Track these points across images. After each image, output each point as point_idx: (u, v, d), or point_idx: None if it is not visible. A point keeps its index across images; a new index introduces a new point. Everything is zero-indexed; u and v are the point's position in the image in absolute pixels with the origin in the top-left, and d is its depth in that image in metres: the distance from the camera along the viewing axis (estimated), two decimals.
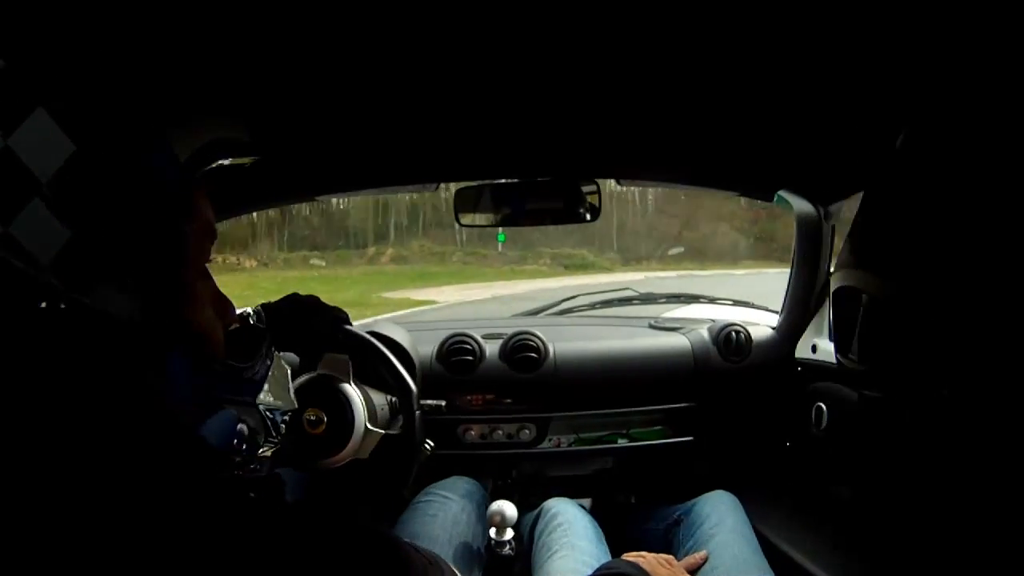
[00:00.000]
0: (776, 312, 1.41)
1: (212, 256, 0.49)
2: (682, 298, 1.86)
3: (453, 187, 1.21)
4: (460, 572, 0.59)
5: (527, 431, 1.27)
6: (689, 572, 0.85)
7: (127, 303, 0.37)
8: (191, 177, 0.47)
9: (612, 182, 1.30)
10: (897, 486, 0.83)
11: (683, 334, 1.39)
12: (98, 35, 0.43)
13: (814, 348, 1.21)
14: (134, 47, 0.54)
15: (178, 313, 0.41)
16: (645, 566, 0.76)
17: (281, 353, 0.76)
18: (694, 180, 1.30)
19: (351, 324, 0.91)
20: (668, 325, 1.49)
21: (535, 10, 0.61)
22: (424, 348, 1.27)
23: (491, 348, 1.30)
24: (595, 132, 1.02)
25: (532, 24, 0.64)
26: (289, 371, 0.63)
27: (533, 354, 1.27)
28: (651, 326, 1.52)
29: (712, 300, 1.75)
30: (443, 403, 0.98)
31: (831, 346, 1.14)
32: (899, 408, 0.77)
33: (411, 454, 0.89)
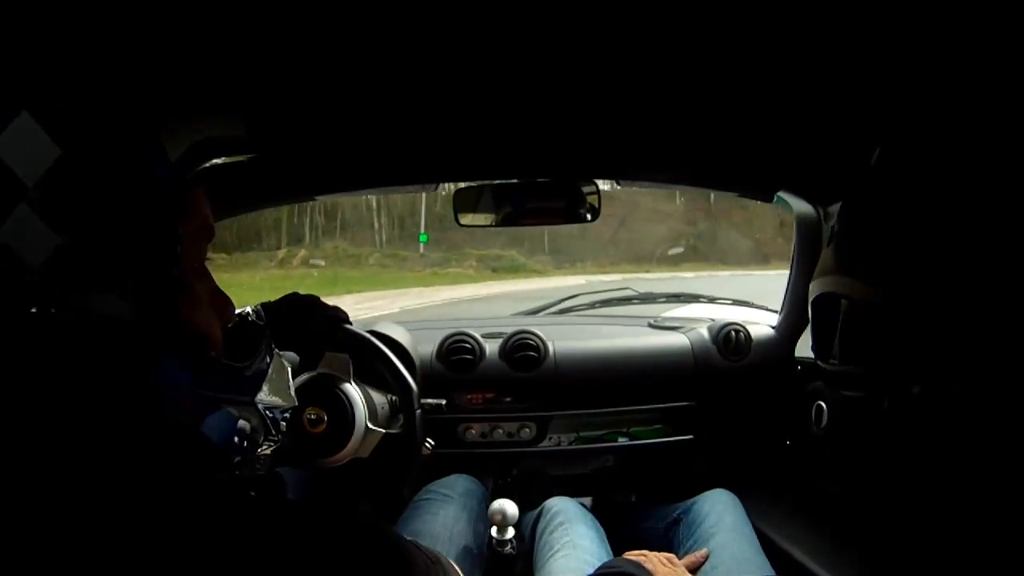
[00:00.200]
0: (776, 311, 1.42)
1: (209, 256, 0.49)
2: (682, 297, 1.87)
3: (452, 187, 1.22)
4: (461, 571, 0.59)
5: (527, 430, 1.27)
6: (690, 571, 0.85)
7: (122, 305, 0.36)
8: (185, 176, 0.47)
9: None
10: (890, 483, 0.84)
11: (683, 333, 1.39)
12: (87, 34, 0.43)
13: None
14: (125, 45, 0.54)
15: (175, 313, 0.41)
16: (647, 565, 0.76)
17: (281, 352, 0.76)
18: (694, 180, 1.30)
19: (351, 323, 0.91)
20: (668, 324, 1.49)
21: (535, 10, 0.61)
22: (424, 347, 1.27)
23: (491, 347, 1.30)
24: (595, 133, 1.02)
25: (532, 24, 0.64)
26: (289, 369, 0.63)
27: (533, 353, 1.28)
28: (651, 325, 1.53)
29: (712, 299, 1.76)
30: (443, 402, 0.98)
31: None
32: (879, 406, 0.78)
33: (411, 453, 0.89)
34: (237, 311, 0.63)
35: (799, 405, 1.20)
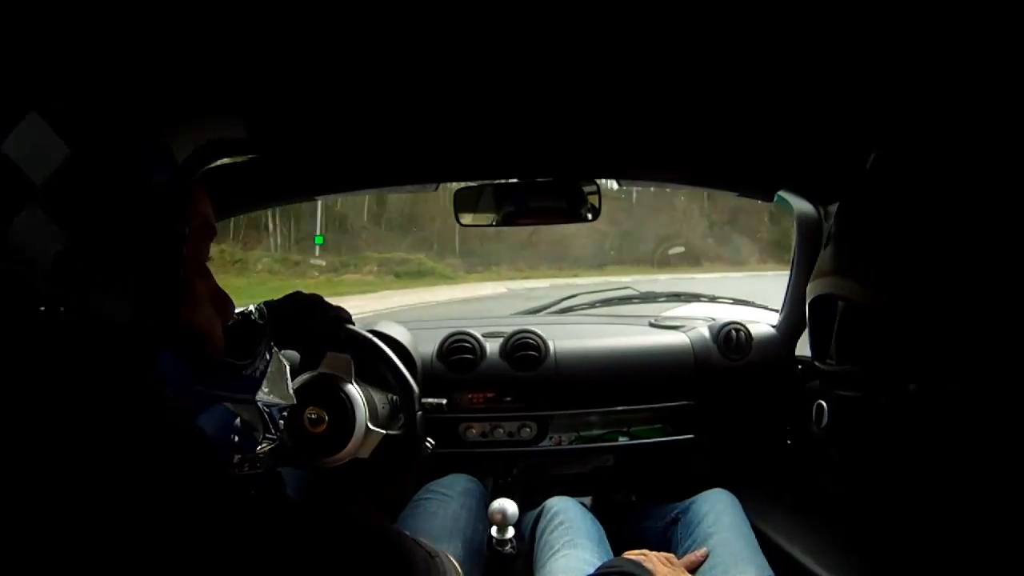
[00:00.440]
0: (776, 311, 1.42)
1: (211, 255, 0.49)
2: (682, 297, 1.87)
3: (453, 187, 1.22)
4: (461, 569, 0.59)
5: (528, 429, 1.28)
6: (689, 570, 0.85)
7: (125, 304, 0.36)
8: (188, 176, 0.47)
9: None
10: (889, 482, 0.84)
11: (683, 332, 1.39)
12: (92, 35, 0.44)
13: None
14: (130, 46, 0.54)
15: (177, 312, 0.41)
16: (647, 564, 0.76)
17: (283, 352, 0.76)
18: (694, 180, 1.30)
19: (353, 323, 0.91)
20: (668, 323, 1.49)
21: (535, 10, 0.61)
22: (425, 347, 1.28)
23: (491, 346, 1.30)
24: (595, 132, 1.02)
25: (532, 24, 0.64)
26: (287, 367, 0.63)
27: (533, 352, 1.28)
28: (651, 324, 1.53)
29: (712, 299, 1.76)
30: (444, 402, 0.99)
31: None
32: (876, 405, 0.78)
33: (412, 453, 0.89)
34: (239, 310, 0.63)
35: (799, 404, 1.20)
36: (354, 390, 0.83)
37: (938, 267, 0.59)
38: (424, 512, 0.99)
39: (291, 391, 0.62)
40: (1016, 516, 0.60)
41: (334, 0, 0.58)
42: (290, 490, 0.80)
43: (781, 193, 1.21)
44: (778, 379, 1.29)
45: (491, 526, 1.02)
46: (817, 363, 0.82)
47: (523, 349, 1.28)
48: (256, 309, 0.71)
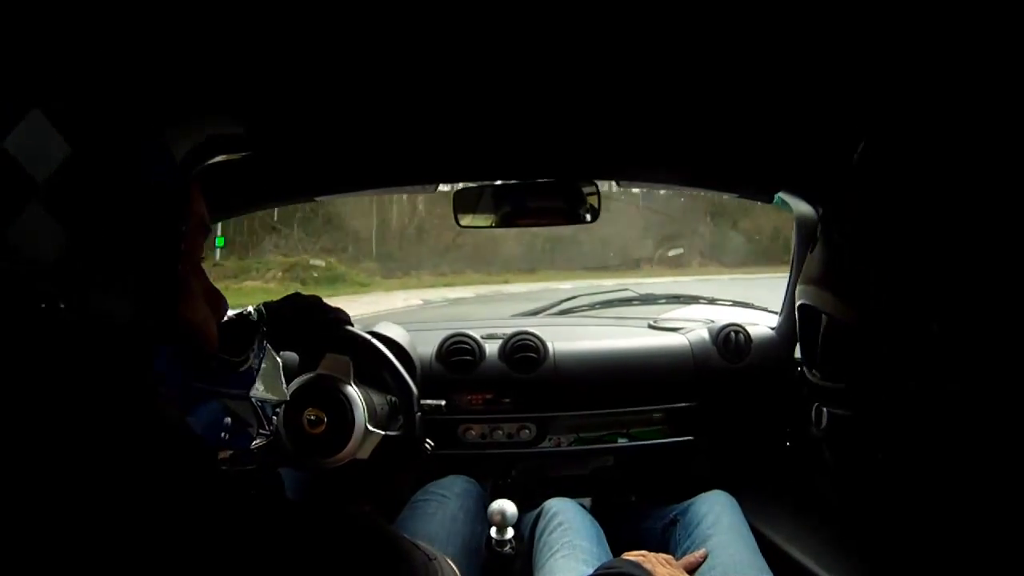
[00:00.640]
0: (776, 313, 1.42)
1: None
2: (681, 299, 1.87)
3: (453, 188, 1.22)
4: (459, 570, 0.59)
5: (527, 431, 1.28)
6: (688, 571, 0.85)
7: (123, 302, 0.37)
8: (188, 175, 0.47)
9: None
10: (887, 486, 0.84)
11: (683, 334, 1.39)
12: (93, 34, 0.44)
13: None
14: (129, 45, 0.54)
15: (173, 310, 0.41)
16: (646, 565, 0.76)
17: (282, 353, 0.76)
18: (694, 181, 1.30)
19: (352, 324, 0.91)
20: (668, 325, 1.49)
21: (535, 11, 0.61)
22: (424, 348, 1.28)
23: (491, 348, 1.30)
24: (595, 133, 1.03)
25: (532, 25, 0.64)
26: (280, 363, 0.63)
27: (532, 354, 1.28)
28: (651, 326, 1.53)
29: (712, 301, 1.76)
30: (443, 403, 0.99)
31: None
32: (866, 425, 0.78)
33: (411, 454, 0.89)
34: (238, 310, 0.63)
35: (799, 406, 1.20)
36: (353, 391, 0.83)
37: (923, 283, 0.59)
38: (423, 513, 0.99)
39: (285, 388, 0.62)
40: (1005, 521, 0.60)
41: (335, 1, 0.58)
42: (289, 491, 0.80)
43: (781, 194, 1.21)
44: (777, 381, 1.29)
45: (490, 527, 1.01)
46: (804, 370, 0.82)
47: (522, 351, 1.28)
48: (255, 310, 0.71)
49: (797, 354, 1.26)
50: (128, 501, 0.34)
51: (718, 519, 0.96)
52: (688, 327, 1.43)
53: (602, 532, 1.01)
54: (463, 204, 1.19)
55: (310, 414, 0.81)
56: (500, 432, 1.27)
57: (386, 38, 0.66)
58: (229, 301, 0.47)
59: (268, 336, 0.65)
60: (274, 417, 0.58)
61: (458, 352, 1.27)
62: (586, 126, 0.99)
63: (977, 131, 0.56)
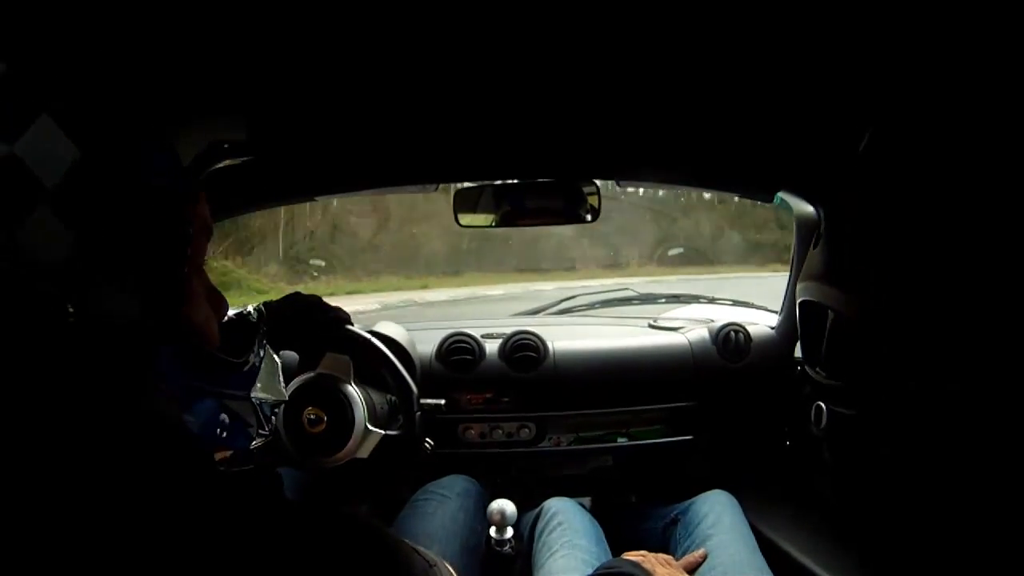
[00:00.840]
0: (775, 312, 1.42)
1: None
2: (681, 298, 1.87)
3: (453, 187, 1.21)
4: (458, 570, 0.59)
5: (527, 430, 1.28)
6: (688, 571, 0.85)
7: (130, 304, 0.37)
8: (194, 179, 0.47)
9: None
10: (887, 485, 0.84)
11: (682, 334, 1.39)
12: (99, 38, 0.44)
13: None
14: (136, 49, 0.54)
15: (177, 311, 0.41)
16: (645, 565, 0.76)
17: (282, 352, 0.76)
18: (694, 181, 1.30)
19: (352, 324, 0.91)
20: (667, 325, 1.49)
21: (535, 11, 0.61)
22: (423, 347, 1.28)
23: (490, 347, 1.30)
24: (595, 133, 1.03)
25: (532, 25, 0.64)
26: (279, 363, 0.63)
27: (532, 353, 1.28)
28: (650, 326, 1.53)
29: (711, 300, 1.76)
30: (442, 402, 0.99)
31: None
32: (871, 424, 0.77)
33: (411, 454, 0.89)
34: (238, 310, 0.63)
35: (798, 406, 1.20)
36: (353, 391, 0.83)
37: (930, 277, 0.58)
38: (422, 513, 0.99)
39: (283, 387, 0.62)
40: (1005, 520, 0.60)
41: (334, 1, 0.58)
42: (289, 490, 0.80)
43: (781, 194, 1.21)
44: (777, 380, 1.29)
45: (490, 526, 1.02)
46: (808, 369, 0.81)
47: (522, 350, 1.28)
48: (255, 309, 0.71)
49: (797, 353, 1.26)
50: (125, 501, 0.34)
51: (718, 519, 0.96)
52: (688, 326, 1.43)
53: (602, 532, 1.01)
54: (463, 203, 1.19)
55: (310, 413, 0.81)
56: (500, 431, 1.27)
57: (386, 38, 0.66)
58: None
59: (268, 336, 0.65)
60: (273, 417, 0.58)
61: (458, 351, 1.27)
62: (586, 126, 0.99)
63: (986, 120, 0.55)
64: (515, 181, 1.18)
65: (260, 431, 0.54)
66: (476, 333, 1.31)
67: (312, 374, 0.84)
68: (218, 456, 0.48)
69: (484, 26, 0.65)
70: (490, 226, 1.23)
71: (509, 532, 1.01)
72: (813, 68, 0.73)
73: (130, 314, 0.37)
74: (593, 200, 1.18)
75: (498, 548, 1.01)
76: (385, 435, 0.85)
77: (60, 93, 0.35)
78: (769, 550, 0.96)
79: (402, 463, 0.90)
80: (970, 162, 0.56)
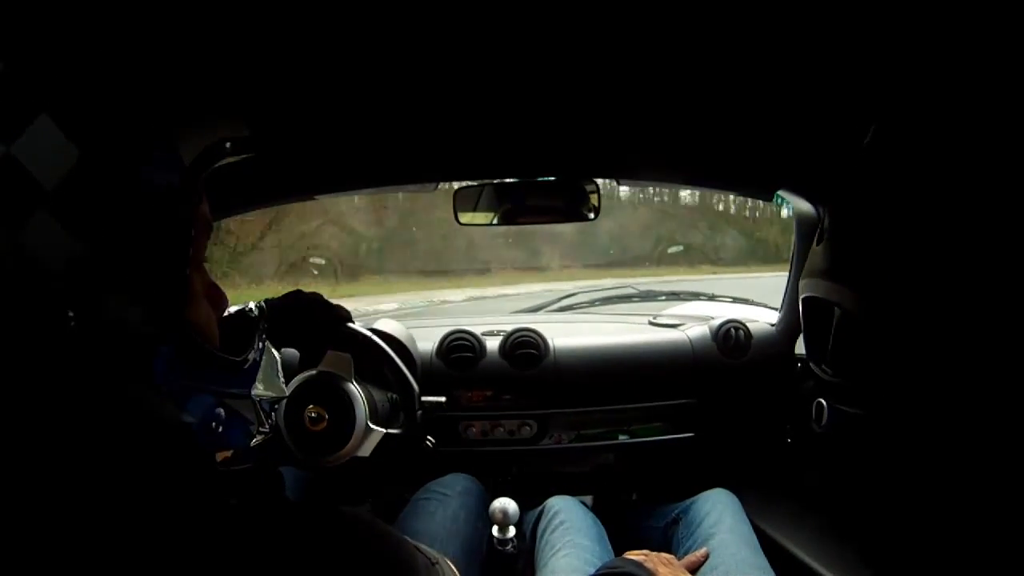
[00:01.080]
0: (776, 309, 1.42)
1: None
2: (682, 295, 1.87)
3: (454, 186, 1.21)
4: (460, 569, 0.59)
5: (528, 428, 1.28)
6: (690, 571, 0.85)
7: (133, 308, 0.36)
8: (196, 178, 0.47)
9: None
10: (889, 483, 0.84)
11: (683, 331, 1.39)
12: (99, 37, 0.43)
13: None
14: (136, 48, 0.54)
15: (182, 312, 0.41)
16: (648, 565, 0.76)
17: (283, 350, 0.76)
18: (694, 180, 1.30)
19: (353, 321, 0.91)
20: (668, 322, 1.49)
21: (535, 10, 0.61)
22: (424, 345, 1.28)
23: (491, 345, 1.30)
24: (595, 132, 1.02)
25: (532, 24, 0.64)
26: (278, 359, 0.63)
27: (533, 351, 1.28)
28: (651, 323, 1.53)
29: (712, 297, 1.76)
30: (443, 400, 0.99)
31: None
32: (877, 424, 0.77)
33: (412, 452, 0.89)
34: (238, 307, 0.63)
35: (799, 403, 1.20)
36: (354, 388, 0.83)
37: (941, 274, 0.57)
38: (424, 512, 0.99)
39: (283, 383, 0.62)
40: (1008, 519, 0.60)
41: (336, 1, 0.58)
42: (290, 489, 0.80)
43: (780, 192, 1.21)
44: (778, 377, 1.29)
45: (492, 525, 1.02)
46: (813, 366, 0.81)
47: (523, 347, 1.28)
48: (256, 307, 0.71)
49: (798, 350, 1.26)
50: (125, 502, 0.34)
51: (720, 518, 0.96)
52: (688, 324, 1.43)
53: (604, 531, 1.01)
54: (463, 202, 1.19)
55: (311, 411, 0.81)
56: (501, 429, 1.27)
57: (386, 38, 0.66)
58: None
59: (269, 333, 0.65)
60: (273, 413, 0.58)
61: (459, 349, 1.27)
62: (586, 124, 0.99)
63: (994, 112, 0.55)
64: (515, 180, 1.18)
65: (260, 428, 0.54)
66: (477, 331, 1.31)
67: (313, 372, 0.84)
68: (219, 456, 0.48)
69: (484, 25, 0.65)
70: (490, 224, 1.23)
71: (511, 531, 1.01)
72: (813, 64, 0.73)
73: (132, 318, 0.36)
74: (594, 198, 1.18)
75: (500, 547, 1.01)
76: (386, 433, 0.85)
77: (59, 93, 0.34)
78: (771, 548, 0.96)
79: (403, 461, 0.90)
80: (979, 155, 0.56)
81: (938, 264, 0.58)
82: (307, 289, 0.89)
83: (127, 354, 0.36)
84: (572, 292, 1.90)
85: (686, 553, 0.92)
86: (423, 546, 0.53)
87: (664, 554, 0.83)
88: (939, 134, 0.59)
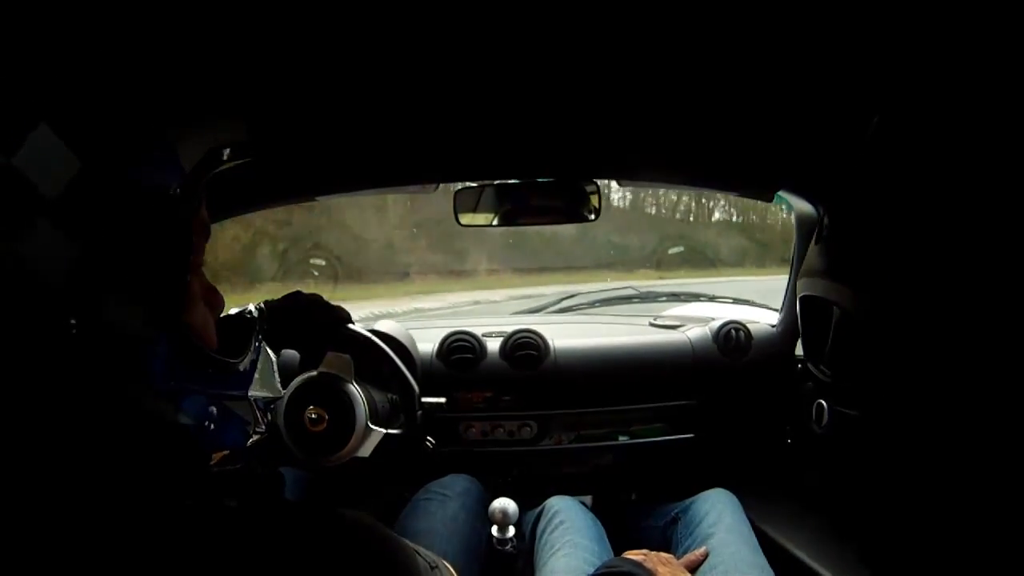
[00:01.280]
0: (776, 310, 1.42)
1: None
2: (682, 296, 1.87)
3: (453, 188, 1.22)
4: (460, 569, 0.59)
5: (528, 429, 1.28)
6: (689, 570, 0.85)
7: (134, 313, 0.37)
8: (196, 184, 0.47)
9: None
10: (889, 484, 0.84)
11: (683, 332, 1.39)
12: (98, 45, 0.43)
13: None
14: (134, 54, 0.54)
15: (180, 315, 0.41)
16: (647, 564, 0.76)
17: (283, 351, 0.76)
18: (694, 180, 1.30)
19: (353, 322, 0.92)
20: (668, 323, 1.49)
21: (535, 10, 0.61)
22: (424, 346, 1.28)
23: (491, 346, 1.31)
24: (595, 132, 1.02)
25: (532, 24, 0.64)
26: (274, 359, 0.63)
27: (533, 352, 1.28)
28: (651, 324, 1.53)
29: (712, 298, 1.76)
30: (443, 401, 0.99)
31: None
32: (876, 426, 0.76)
33: (412, 452, 0.89)
34: (238, 309, 0.63)
35: (800, 404, 1.20)
36: (354, 389, 0.83)
37: (943, 273, 0.57)
38: (424, 512, 0.99)
39: (279, 384, 0.62)
40: (1007, 519, 0.60)
41: (334, 1, 0.58)
42: (290, 490, 0.80)
43: (781, 193, 1.21)
44: (778, 378, 1.29)
45: (491, 525, 1.02)
46: (811, 366, 0.81)
47: (523, 348, 1.28)
48: (256, 308, 0.71)
49: (798, 351, 1.26)
50: (124, 503, 0.34)
51: (719, 518, 0.96)
52: (688, 325, 1.43)
53: (603, 530, 1.01)
54: (463, 203, 1.19)
55: (312, 412, 0.81)
56: (501, 430, 1.28)
57: (386, 38, 0.66)
58: None
59: (269, 334, 0.65)
60: (269, 413, 0.58)
61: (459, 350, 1.27)
62: (587, 125, 0.99)
63: (996, 108, 0.55)
64: (515, 181, 1.18)
65: (256, 428, 0.54)
66: (477, 331, 1.32)
67: (313, 373, 0.84)
68: (216, 457, 0.48)
69: (484, 26, 0.65)
70: (490, 225, 1.23)
71: (511, 531, 1.01)
72: (813, 60, 0.73)
73: (132, 321, 0.36)
74: (594, 199, 1.18)
75: (500, 547, 1.01)
76: (387, 433, 0.85)
77: (59, 102, 0.34)
78: (770, 548, 0.96)
79: (403, 462, 0.90)
80: (980, 153, 0.55)
81: (938, 262, 0.58)
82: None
83: (125, 357, 0.37)
84: (573, 293, 1.90)
85: (685, 552, 0.92)
86: (423, 549, 0.53)
87: (663, 553, 0.83)
88: (941, 130, 0.59)
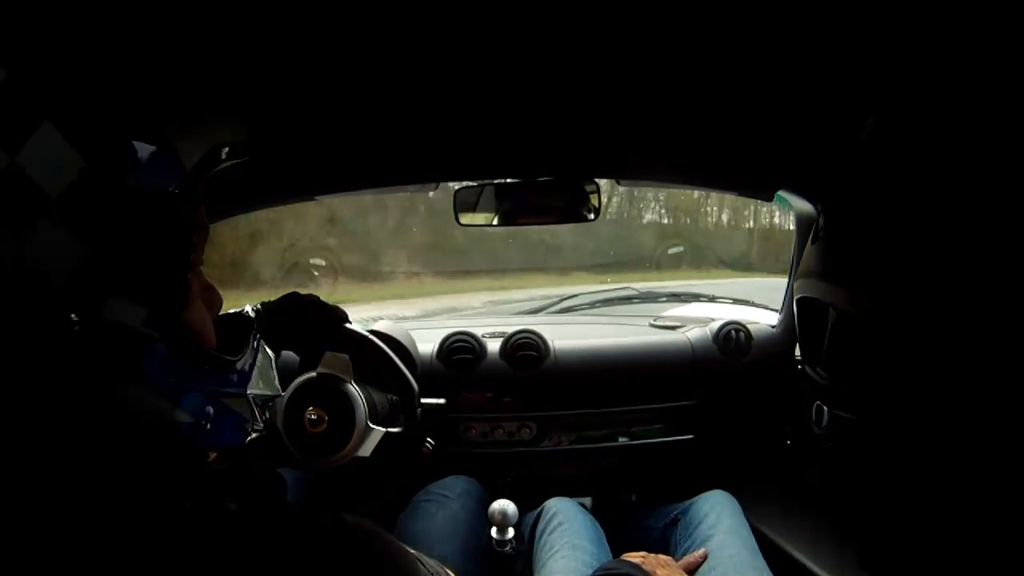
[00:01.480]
0: (776, 311, 1.41)
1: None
2: (682, 297, 1.87)
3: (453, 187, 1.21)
4: (459, 570, 0.59)
5: (528, 429, 1.28)
6: (688, 572, 0.85)
7: (134, 312, 0.37)
8: (197, 183, 0.47)
9: None
10: (888, 485, 0.83)
11: (683, 333, 1.39)
12: (100, 44, 0.43)
13: None
14: (136, 54, 0.54)
15: (180, 314, 0.41)
16: (645, 566, 0.76)
17: (281, 352, 0.76)
18: (694, 180, 1.30)
19: (351, 323, 0.91)
20: (668, 324, 1.49)
21: (535, 10, 0.61)
22: (424, 346, 1.28)
23: (491, 346, 1.30)
24: (595, 132, 1.02)
25: (532, 24, 0.64)
26: (272, 357, 0.63)
27: (533, 352, 1.28)
28: (651, 325, 1.53)
29: (712, 299, 1.76)
30: (443, 401, 0.99)
31: None
32: (873, 430, 0.76)
33: (412, 453, 0.89)
34: (236, 310, 0.63)
35: (799, 405, 1.20)
36: (353, 389, 0.83)
37: (937, 272, 0.57)
38: (424, 513, 0.99)
39: (277, 382, 0.62)
40: (1005, 520, 0.60)
41: (333, 1, 0.58)
42: (291, 491, 0.80)
43: (781, 193, 1.21)
44: (778, 379, 1.29)
45: (491, 527, 1.01)
46: (808, 368, 0.80)
47: (523, 349, 1.28)
48: (254, 309, 0.71)
49: (798, 352, 1.26)
50: (122, 503, 0.34)
51: (718, 519, 0.96)
52: (688, 325, 1.43)
53: (602, 532, 1.01)
54: (463, 203, 1.19)
55: (311, 413, 0.81)
56: (501, 431, 1.27)
57: (387, 38, 0.66)
58: None
59: (267, 336, 0.65)
60: (267, 412, 0.58)
61: (459, 350, 1.27)
62: (587, 125, 0.99)
63: (992, 109, 0.55)
64: (516, 181, 1.18)
65: (255, 426, 0.54)
66: (477, 332, 1.31)
67: (312, 374, 0.84)
68: (212, 454, 0.48)
69: (484, 25, 0.65)
70: (490, 225, 1.23)
71: (510, 532, 1.01)
72: (812, 60, 0.73)
73: (132, 319, 0.36)
74: (594, 199, 1.18)
75: (499, 548, 1.00)
76: (387, 433, 0.85)
77: (62, 101, 0.34)
78: (769, 550, 0.96)
79: (403, 462, 0.90)
80: (977, 153, 0.55)
81: (933, 264, 0.58)
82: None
83: (125, 354, 0.37)
84: (573, 294, 1.90)
85: (684, 554, 0.92)
86: (426, 558, 0.53)
87: (662, 555, 0.83)
88: (935, 131, 0.59)
